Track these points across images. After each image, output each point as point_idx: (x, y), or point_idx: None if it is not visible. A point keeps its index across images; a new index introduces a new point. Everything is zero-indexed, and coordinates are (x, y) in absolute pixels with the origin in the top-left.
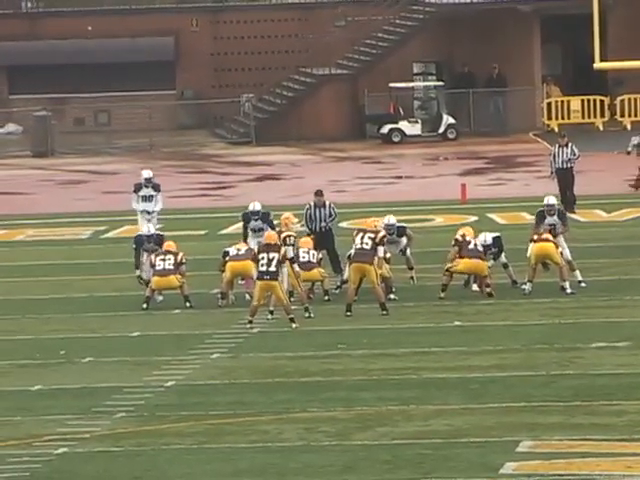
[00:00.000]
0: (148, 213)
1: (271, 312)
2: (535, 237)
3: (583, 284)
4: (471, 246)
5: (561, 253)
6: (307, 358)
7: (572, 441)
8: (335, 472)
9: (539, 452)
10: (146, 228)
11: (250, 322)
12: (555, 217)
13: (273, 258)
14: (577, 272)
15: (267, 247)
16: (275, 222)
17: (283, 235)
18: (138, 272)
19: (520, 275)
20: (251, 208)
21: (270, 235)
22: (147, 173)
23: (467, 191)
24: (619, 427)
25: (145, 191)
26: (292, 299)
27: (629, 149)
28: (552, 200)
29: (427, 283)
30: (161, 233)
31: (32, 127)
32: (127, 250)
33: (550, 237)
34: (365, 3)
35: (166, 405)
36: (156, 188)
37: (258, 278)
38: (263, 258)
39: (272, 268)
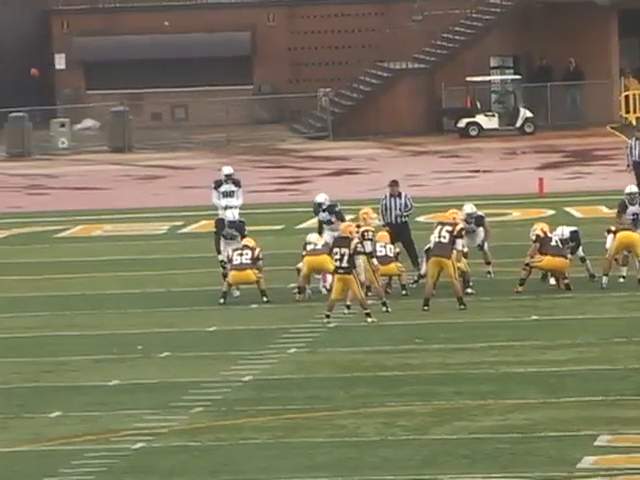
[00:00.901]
0: (229, 208)
1: (348, 307)
2: (613, 228)
3: None
4: (553, 243)
5: None
6: (384, 352)
7: None
8: (413, 466)
9: (617, 446)
10: (230, 214)
11: (327, 316)
12: (638, 206)
13: (345, 253)
14: None
15: (339, 241)
16: (349, 217)
17: (362, 229)
18: (220, 257)
19: (598, 269)
20: (317, 200)
21: (344, 227)
22: (228, 169)
23: (545, 185)
24: None
25: (226, 187)
26: (369, 294)
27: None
28: (634, 188)
29: (504, 277)
30: (243, 220)
31: (109, 122)
32: (204, 245)
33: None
34: None
35: (243, 400)
36: (237, 184)
37: (334, 272)
38: (336, 253)
39: (344, 263)
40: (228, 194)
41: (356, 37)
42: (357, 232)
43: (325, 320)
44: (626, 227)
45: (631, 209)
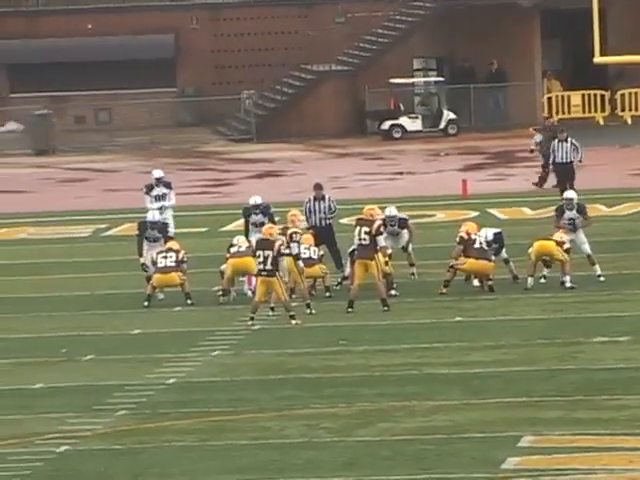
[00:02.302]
0: (160, 212)
1: (272, 309)
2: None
3: (602, 278)
4: (477, 245)
5: (568, 250)
6: (308, 355)
7: (573, 436)
8: (336, 468)
9: (540, 447)
10: (151, 215)
11: (251, 319)
12: (574, 211)
13: (268, 256)
14: (597, 266)
15: (262, 243)
16: (277, 218)
17: (289, 232)
18: (142, 260)
19: (522, 270)
20: (252, 202)
21: (267, 230)
22: (157, 172)
23: (468, 186)
24: (620, 421)
25: (157, 190)
26: (294, 295)
27: (532, 147)
28: (571, 194)
29: (428, 279)
30: (165, 221)
31: (33, 125)
32: (128, 248)
33: (552, 237)
34: None
35: (167, 402)
36: (167, 186)
37: (257, 274)
38: (259, 255)
39: (268, 266)
40: (160, 197)
41: (279, 39)
42: (283, 234)
43: (249, 322)
44: (543, 237)
45: (568, 214)
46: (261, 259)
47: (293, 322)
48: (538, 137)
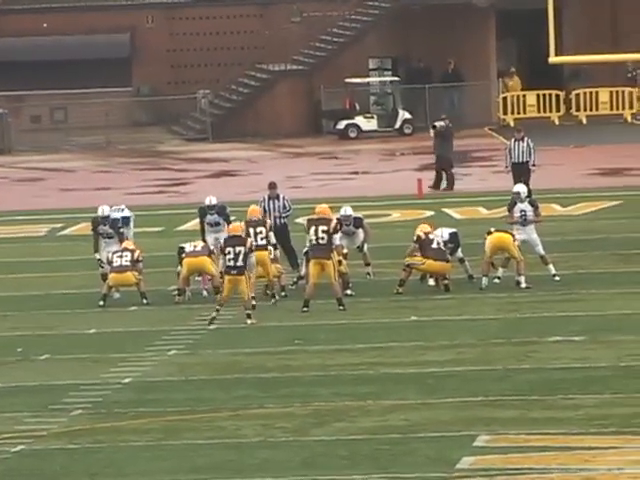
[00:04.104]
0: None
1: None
2: (492, 229)
3: (557, 277)
4: (434, 245)
5: (519, 247)
6: (264, 354)
7: (529, 435)
8: (293, 468)
9: (496, 446)
10: (101, 210)
11: (217, 311)
12: (526, 204)
13: (240, 252)
14: (551, 266)
15: (233, 240)
16: (232, 218)
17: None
18: (98, 255)
19: (477, 270)
20: (207, 202)
21: (235, 227)
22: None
23: (423, 186)
24: (575, 421)
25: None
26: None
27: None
28: (519, 187)
29: (384, 278)
30: (117, 217)
31: None
32: (84, 247)
33: (507, 230)
34: None
35: (123, 402)
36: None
37: (225, 272)
38: (229, 253)
39: (239, 262)
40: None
41: (235, 39)
42: (257, 225)
43: (214, 314)
44: (498, 229)
45: (519, 206)
46: (232, 256)
47: (249, 321)
48: (439, 123)
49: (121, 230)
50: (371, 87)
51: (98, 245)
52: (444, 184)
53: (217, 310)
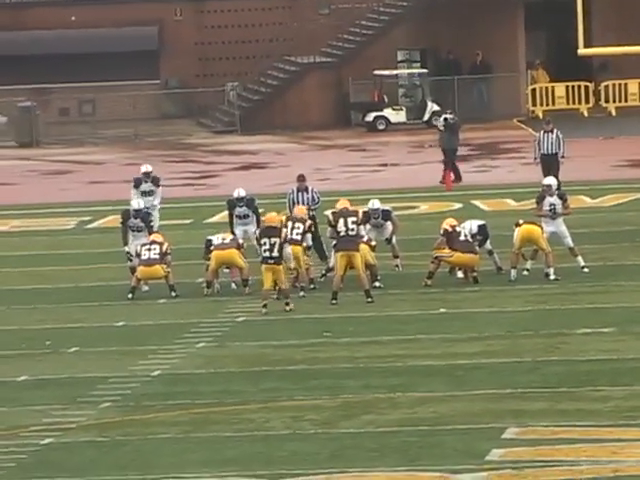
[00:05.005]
0: (146, 209)
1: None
2: (520, 221)
3: (586, 269)
4: (462, 238)
5: (547, 239)
6: (293, 346)
7: (558, 427)
8: (321, 460)
9: (525, 439)
10: (135, 203)
11: (264, 306)
12: (555, 197)
13: (275, 243)
14: (580, 258)
15: (268, 231)
16: (261, 210)
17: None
18: (127, 248)
19: (505, 262)
20: (236, 195)
21: (271, 217)
22: (145, 167)
23: (452, 178)
24: (604, 413)
25: (145, 186)
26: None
27: (441, 127)
28: (551, 180)
29: (412, 270)
30: (149, 211)
31: (16, 118)
32: (112, 240)
33: (536, 222)
34: None
35: (152, 394)
36: (155, 182)
37: (262, 262)
38: (265, 243)
39: (275, 253)
40: (147, 193)
41: (263, 31)
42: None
43: (263, 311)
44: (527, 221)
45: (548, 200)
46: (267, 246)
47: (288, 308)
48: (447, 114)
49: (152, 224)
50: (399, 79)
51: (127, 238)
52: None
53: (264, 305)
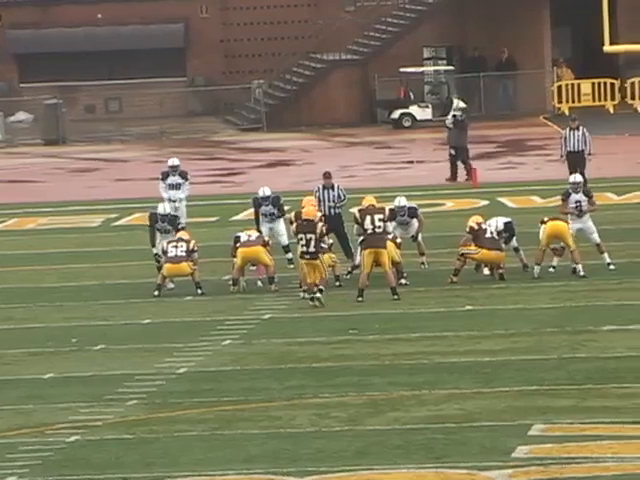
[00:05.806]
0: (173, 201)
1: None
2: (545, 219)
3: (612, 266)
4: (488, 235)
5: (574, 235)
6: (318, 344)
7: (584, 424)
8: (347, 457)
9: (551, 435)
10: (161, 207)
11: (312, 299)
12: (581, 194)
13: (311, 238)
14: (606, 255)
15: (304, 227)
16: (286, 208)
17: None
18: (155, 250)
19: (531, 259)
20: (261, 193)
21: (309, 211)
22: (172, 161)
23: (478, 175)
24: (630, 410)
25: (172, 179)
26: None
27: (449, 125)
28: (577, 178)
29: (438, 268)
30: (175, 214)
31: (43, 115)
32: (138, 237)
33: (562, 218)
34: None
35: (178, 392)
36: (183, 176)
37: (300, 257)
38: (302, 239)
39: (311, 248)
40: (174, 186)
41: (289, 28)
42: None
43: (311, 303)
44: (553, 217)
45: (574, 197)
46: (303, 242)
47: (318, 295)
48: (457, 111)
49: (179, 226)
50: (425, 76)
51: (155, 240)
52: (449, 177)
53: (312, 299)
